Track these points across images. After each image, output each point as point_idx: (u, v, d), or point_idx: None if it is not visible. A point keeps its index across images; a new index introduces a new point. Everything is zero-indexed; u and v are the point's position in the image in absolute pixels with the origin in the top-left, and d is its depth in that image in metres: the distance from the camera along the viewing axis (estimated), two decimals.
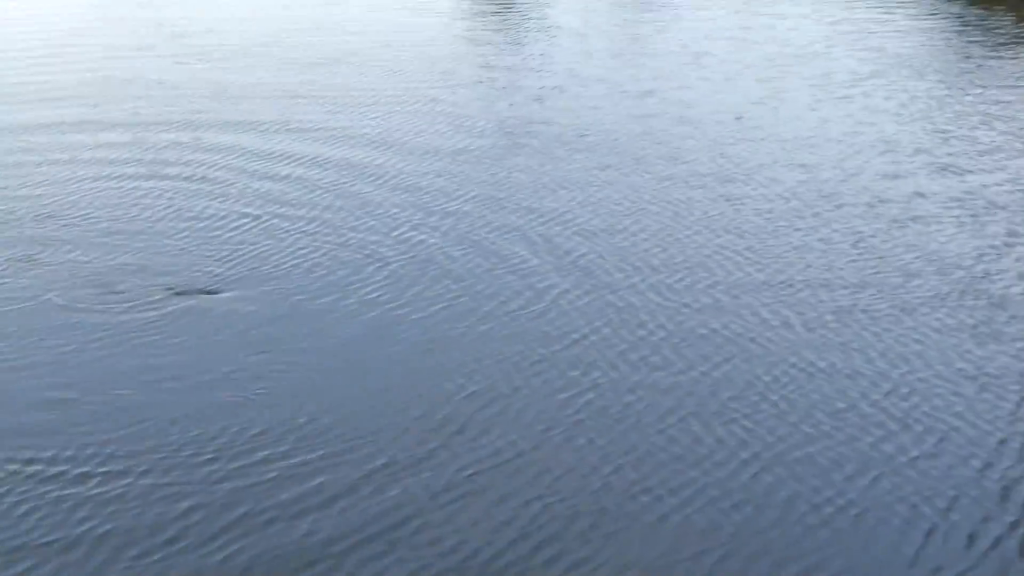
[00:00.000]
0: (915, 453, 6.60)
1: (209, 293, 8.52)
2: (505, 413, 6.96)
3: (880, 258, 9.29)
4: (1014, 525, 5.98)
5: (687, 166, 11.52)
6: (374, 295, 8.56)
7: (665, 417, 6.97)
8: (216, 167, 11.45)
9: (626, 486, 6.30)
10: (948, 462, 6.51)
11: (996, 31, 17.58)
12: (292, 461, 6.42)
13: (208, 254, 9.25)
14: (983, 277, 8.96)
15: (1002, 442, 6.70)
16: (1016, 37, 17.14)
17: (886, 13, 19.09)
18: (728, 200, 10.57)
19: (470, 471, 6.40)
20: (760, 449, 6.64)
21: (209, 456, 6.45)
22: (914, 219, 10.13)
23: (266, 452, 6.51)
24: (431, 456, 6.52)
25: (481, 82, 15.12)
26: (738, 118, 13.00)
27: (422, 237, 9.67)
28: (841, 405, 7.12)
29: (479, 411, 6.96)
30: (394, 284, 8.74)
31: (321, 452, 6.52)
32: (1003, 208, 10.38)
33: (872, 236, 9.75)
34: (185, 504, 6.03)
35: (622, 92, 14.45)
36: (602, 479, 6.36)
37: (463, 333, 7.96)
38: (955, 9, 19.44)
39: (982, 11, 18.93)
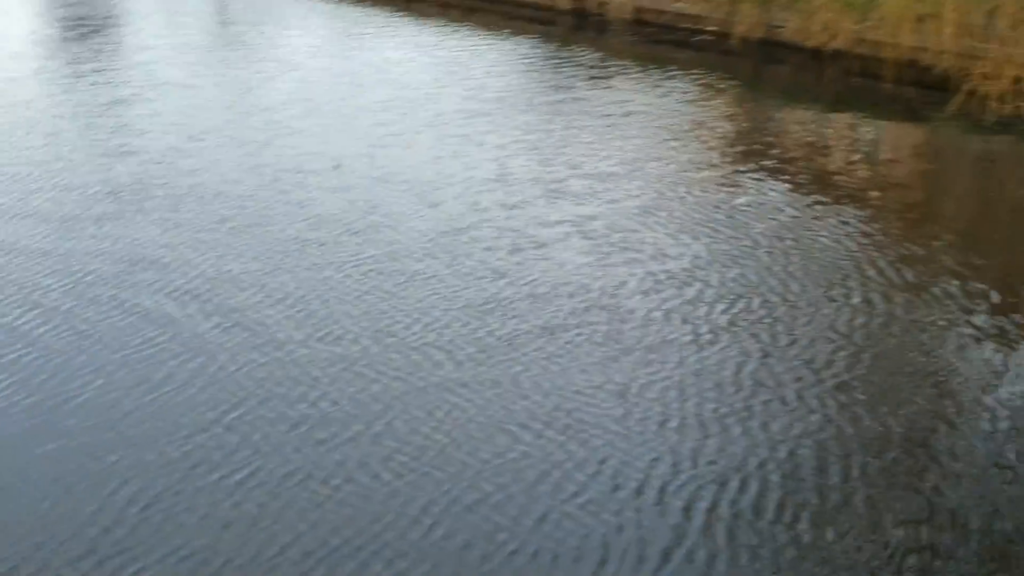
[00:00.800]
0: (597, 488, 6.74)
1: None
2: (175, 508, 6.60)
3: (513, 288, 9.72)
4: (713, 549, 6.35)
5: (315, 215, 11.51)
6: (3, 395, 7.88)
7: (334, 475, 6.92)
8: None
9: (312, 561, 6.18)
10: (627, 494, 6.69)
11: (586, 67, 18.96)
12: None
13: None
14: (607, 293, 9.60)
15: (674, 466, 6.98)
16: (602, 72, 18.56)
17: (484, 54, 20.06)
18: (363, 244, 10.67)
19: None
20: (434, 500, 6.67)
21: None
22: (538, 245, 10.68)
23: None
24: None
25: (89, 146, 14.34)
26: (336, 166, 13.14)
27: (47, 324, 9.02)
28: (507, 442, 7.35)
29: (144, 512, 6.55)
30: (25, 380, 8.06)
31: None
32: (614, 229, 11.17)
33: (502, 264, 10.18)
34: None
35: (239, 145, 14.21)
36: (294, 562, 6.21)
37: (115, 423, 7.51)
38: (549, 48, 20.78)
39: (570, 50, 20.35)
